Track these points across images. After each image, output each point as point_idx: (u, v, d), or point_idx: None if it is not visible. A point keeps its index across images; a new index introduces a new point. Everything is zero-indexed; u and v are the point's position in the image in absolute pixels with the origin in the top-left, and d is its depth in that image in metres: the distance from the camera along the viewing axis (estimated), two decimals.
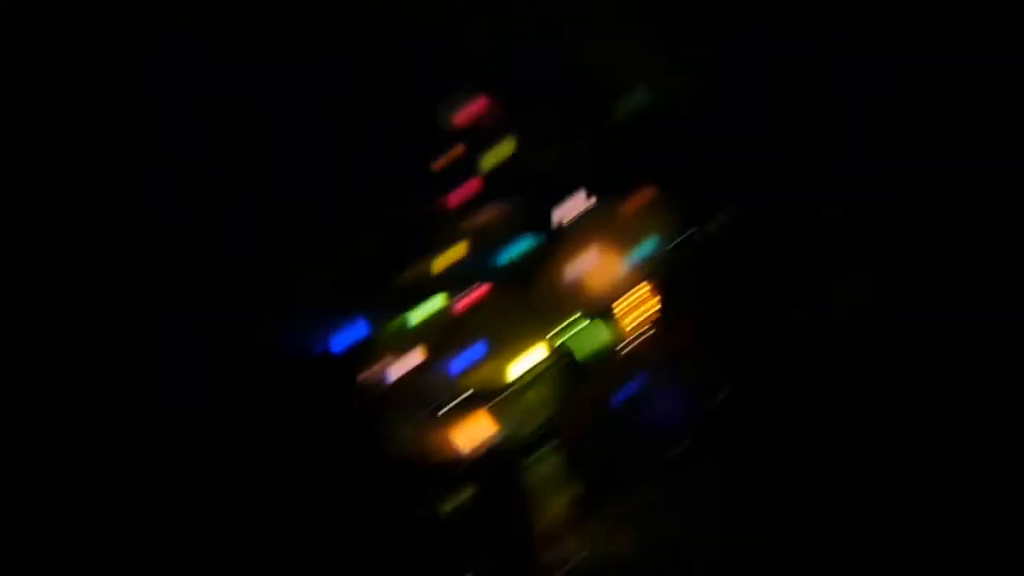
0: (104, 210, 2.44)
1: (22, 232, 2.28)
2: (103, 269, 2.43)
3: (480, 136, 2.88)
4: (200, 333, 2.85)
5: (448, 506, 2.63)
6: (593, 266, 2.77)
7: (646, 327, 2.44)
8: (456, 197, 3.02)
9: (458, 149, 2.86)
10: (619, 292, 2.60)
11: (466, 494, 2.61)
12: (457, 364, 2.67)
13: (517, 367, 2.61)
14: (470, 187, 3.01)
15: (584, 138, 2.85)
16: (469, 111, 2.78)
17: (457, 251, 3.07)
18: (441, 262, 3.12)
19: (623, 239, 2.72)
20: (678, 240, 2.51)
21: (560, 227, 2.91)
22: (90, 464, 2.36)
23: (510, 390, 2.56)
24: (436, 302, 2.89)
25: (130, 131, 2.50)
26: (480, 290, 2.87)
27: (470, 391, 2.58)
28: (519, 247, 3.05)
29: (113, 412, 2.48)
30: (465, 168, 2.96)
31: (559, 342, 2.65)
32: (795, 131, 2.52)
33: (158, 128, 2.68)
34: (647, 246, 2.62)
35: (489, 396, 2.56)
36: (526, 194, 3.01)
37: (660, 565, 2.08)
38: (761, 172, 2.51)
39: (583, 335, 2.68)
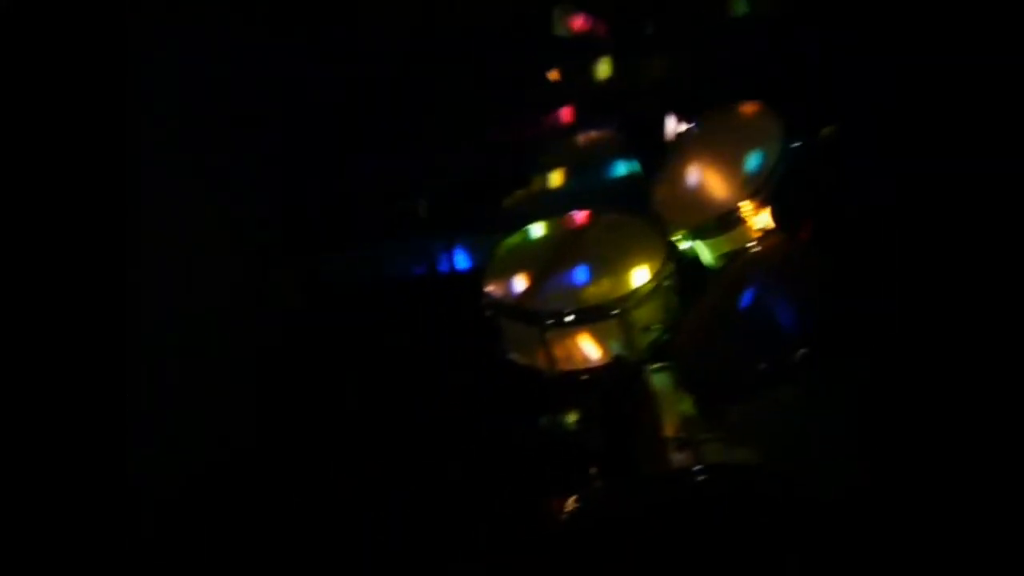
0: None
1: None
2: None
3: (583, 54, 2.89)
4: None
5: (571, 417, 2.75)
6: (701, 181, 2.79)
7: (758, 239, 2.45)
8: (556, 120, 3.05)
9: (555, 73, 2.87)
10: (728, 205, 2.60)
11: (588, 405, 2.71)
12: (576, 278, 2.72)
13: (633, 280, 2.64)
14: (568, 111, 3.03)
15: (687, 51, 2.84)
16: (573, 25, 2.78)
17: (561, 175, 3.13)
18: (552, 182, 3.19)
19: (729, 153, 2.73)
20: (784, 152, 2.50)
21: (666, 144, 2.93)
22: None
23: (628, 303, 2.59)
24: (548, 222, 2.97)
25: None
26: (587, 211, 2.92)
27: (588, 304, 2.62)
28: (628, 166, 3.09)
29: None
30: (567, 89, 2.97)
31: (672, 255, 2.68)
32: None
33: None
34: (754, 159, 2.62)
35: (607, 310, 2.59)
36: (630, 112, 3.03)
37: (778, 477, 2.10)
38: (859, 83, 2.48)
39: (695, 249, 2.72)
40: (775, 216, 2.37)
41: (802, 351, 2.06)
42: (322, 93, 3.06)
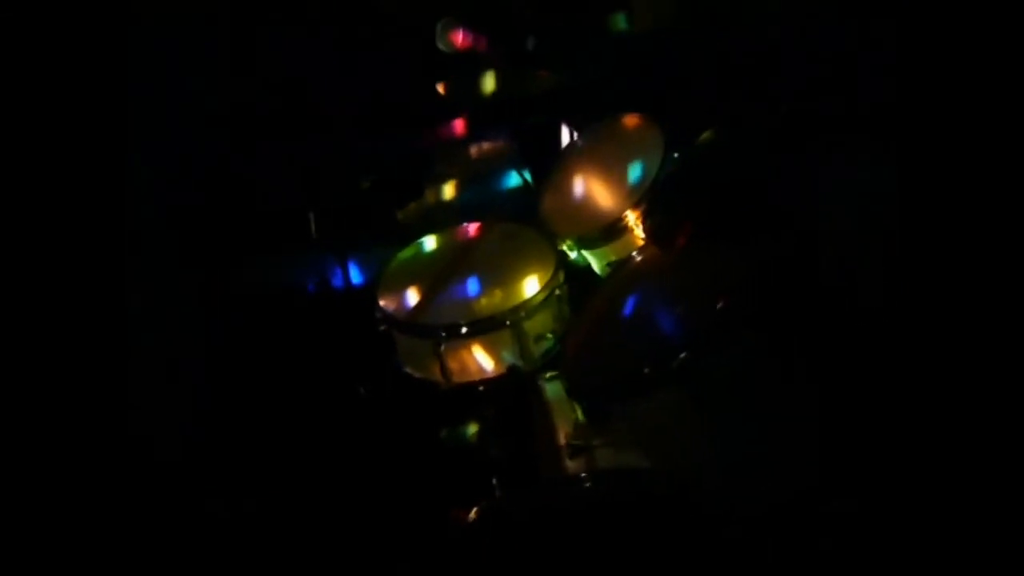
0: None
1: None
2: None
3: (467, 68, 2.92)
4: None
5: (470, 428, 2.77)
6: (586, 191, 2.84)
7: (640, 247, 2.51)
8: (447, 132, 3.08)
9: (443, 86, 2.90)
10: (612, 215, 2.66)
11: (483, 416, 2.74)
12: (468, 290, 2.76)
13: (525, 291, 2.68)
14: (460, 123, 3.06)
15: (568, 65, 2.89)
16: (455, 40, 2.81)
17: (453, 186, 3.16)
18: (445, 194, 3.21)
19: (613, 164, 2.79)
20: (664, 162, 2.57)
21: (551, 156, 2.97)
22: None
23: (520, 313, 2.63)
24: (440, 234, 2.99)
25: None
26: (479, 223, 2.95)
27: (480, 317, 2.65)
28: (512, 179, 3.14)
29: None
30: (454, 103, 3.00)
31: (563, 265, 2.74)
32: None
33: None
34: (636, 169, 2.68)
35: (499, 321, 2.63)
36: (515, 126, 3.07)
37: (666, 480, 2.16)
38: (747, 91, 2.57)
39: (584, 258, 2.78)
40: (646, 227, 2.44)
41: (682, 355, 2.12)
42: (215, 103, 3.03)
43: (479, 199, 3.25)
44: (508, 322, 2.63)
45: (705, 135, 2.43)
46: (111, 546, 2.33)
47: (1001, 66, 2.08)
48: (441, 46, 2.76)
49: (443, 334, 2.64)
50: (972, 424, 2.03)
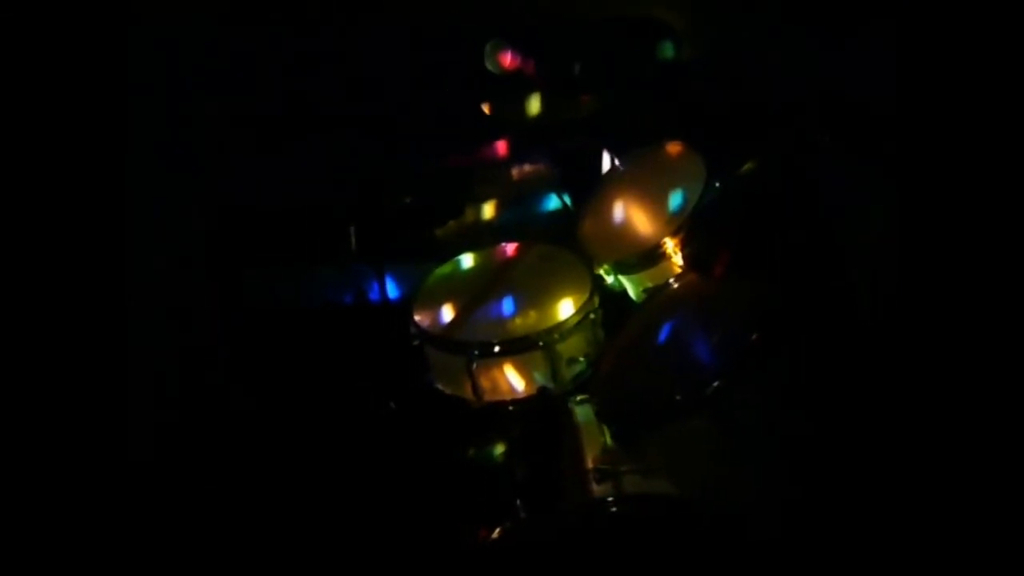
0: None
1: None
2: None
3: (511, 91, 2.95)
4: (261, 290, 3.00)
5: (497, 447, 2.77)
6: (625, 217, 2.85)
7: (677, 275, 2.51)
8: (490, 152, 3.10)
9: (488, 106, 2.92)
10: (651, 242, 2.66)
11: (511, 436, 2.74)
12: (503, 309, 2.76)
13: (560, 313, 2.68)
14: (502, 144, 3.08)
15: (613, 91, 2.91)
16: (503, 62, 2.84)
17: (493, 206, 3.18)
18: (485, 213, 3.23)
19: (653, 191, 2.79)
20: (705, 191, 2.57)
21: (591, 180, 2.99)
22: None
23: (554, 335, 2.63)
24: (478, 252, 3.01)
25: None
26: (517, 243, 2.97)
27: (514, 336, 2.66)
28: (559, 200, 3.15)
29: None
30: (499, 124, 3.03)
31: (598, 289, 2.74)
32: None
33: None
34: (676, 197, 2.69)
35: (533, 342, 2.63)
36: (557, 149, 3.09)
37: (693, 508, 2.15)
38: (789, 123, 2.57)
39: (621, 282, 2.78)
40: (686, 256, 2.44)
41: (715, 384, 2.11)
42: (259, 109, 3.08)
43: (518, 220, 3.27)
44: (541, 343, 2.63)
45: (747, 166, 2.43)
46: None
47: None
48: (489, 67, 2.79)
49: (476, 352, 2.64)
50: (996, 449, 2.02)
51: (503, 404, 2.71)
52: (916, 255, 2.23)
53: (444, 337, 2.73)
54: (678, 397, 2.14)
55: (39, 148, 2.33)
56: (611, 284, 2.78)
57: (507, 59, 2.75)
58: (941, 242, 2.18)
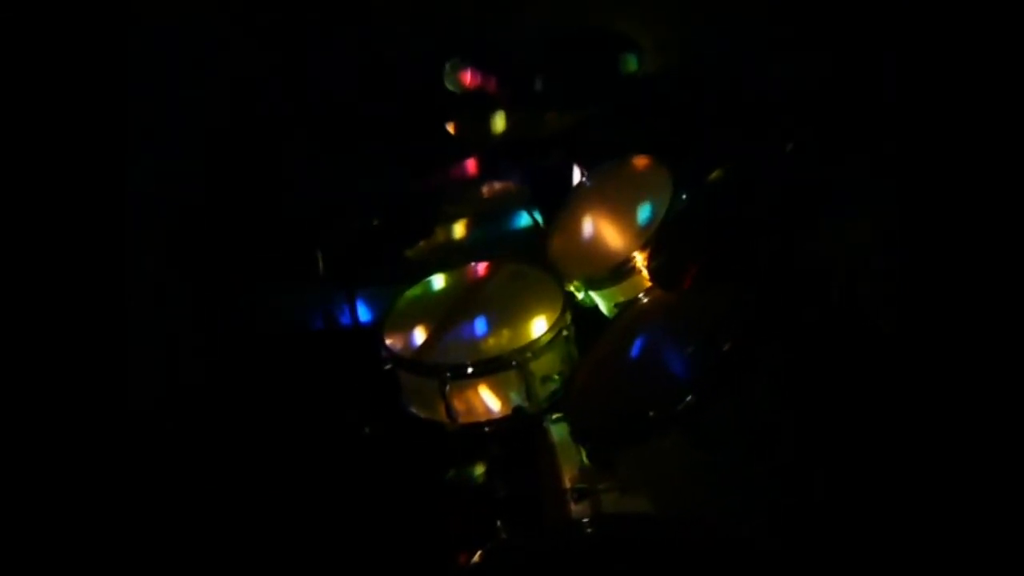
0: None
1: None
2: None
3: (476, 108, 2.93)
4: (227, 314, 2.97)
5: (475, 469, 2.74)
6: (594, 232, 2.83)
7: (647, 288, 2.49)
8: (458, 171, 3.08)
9: (453, 126, 2.91)
10: (620, 256, 2.65)
11: (489, 457, 2.71)
12: (475, 329, 2.74)
13: (532, 331, 2.66)
14: (471, 163, 3.06)
15: (577, 106, 2.90)
16: (463, 80, 2.83)
17: (463, 225, 3.15)
18: (450, 235, 3.21)
19: (621, 205, 2.78)
20: (673, 203, 2.56)
21: (560, 197, 2.97)
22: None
23: (527, 354, 2.60)
24: (449, 273, 2.98)
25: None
26: (487, 262, 2.94)
27: (486, 357, 2.63)
28: (523, 219, 3.13)
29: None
30: (465, 143, 3.01)
31: (570, 305, 2.71)
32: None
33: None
34: (645, 211, 2.68)
35: (506, 361, 2.60)
36: (525, 166, 3.08)
37: (670, 525, 2.12)
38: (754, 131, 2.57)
39: (592, 299, 2.76)
40: (651, 269, 2.42)
41: (688, 399, 2.09)
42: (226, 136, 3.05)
43: (489, 239, 3.25)
44: (514, 362, 2.61)
45: (714, 174, 2.42)
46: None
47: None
48: (450, 86, 2.77)
49: (448, 374, 2.61)
50: (994, 461, 2.01)
51: (478, 426, 2.68)
52: (905, 260, 2.22)
53: (416, 360, 2.70)
54: (651, 413, 2.12)
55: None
56: (582, 300, 2.75)
57: (467, 77, 2.74)
58: (928, 247, 2.18)
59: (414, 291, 2.94)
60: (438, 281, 2.96)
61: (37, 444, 2.28)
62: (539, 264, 2.87)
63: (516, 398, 2.65)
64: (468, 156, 3.22)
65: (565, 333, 2.68)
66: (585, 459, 2.37)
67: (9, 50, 2.30)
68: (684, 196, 2.58)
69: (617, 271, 2.64)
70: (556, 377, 2.64)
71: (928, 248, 2.21)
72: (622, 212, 2.75)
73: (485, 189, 3.29)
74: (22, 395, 2.27)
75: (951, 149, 2.20)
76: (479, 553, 2.22)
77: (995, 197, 2.13)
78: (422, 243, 3.26)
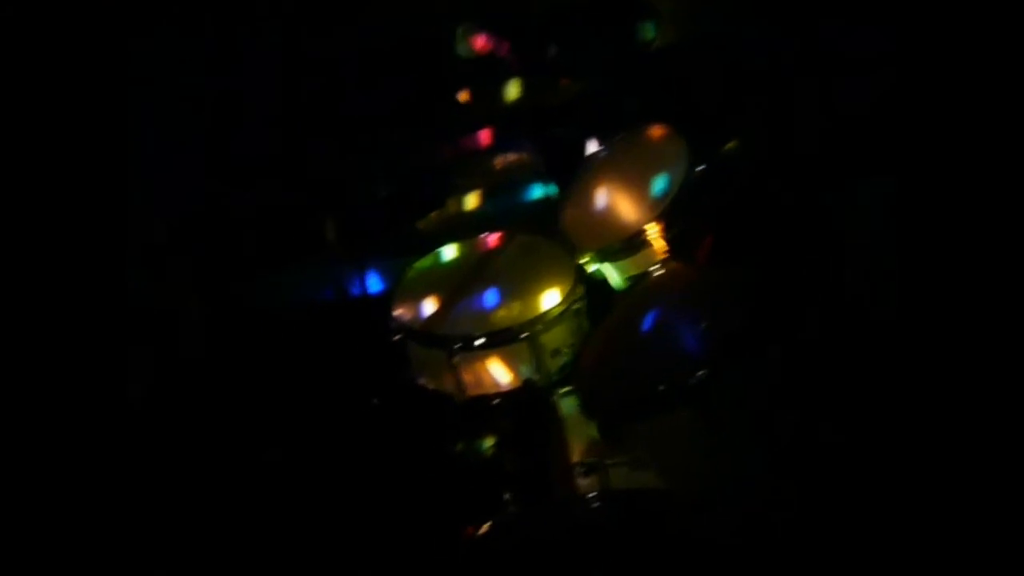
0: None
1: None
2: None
3: (489, 76, 2.89)
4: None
5: (484, 442, 2.72)
6: (608, 204, 2.79)
7: (661, 261, 2.46)
8: (470, 142, 3.05)
9: (465, 95, 2.86)
10: (634, 228, 2.60)
11: (496, 429, 2.69)
12: (485, 301, 2.71)
13: (543, 303, 2.63)
14: (484, 134, 3.02)
15: (591, 74, 2.85)
16: (476, 45, 2.78)
17: (475, 197, 3.12)
18: (461, 207, 3.18)
19: (635, 176, 2.73)
20: (688, 175, 2.51)
21: (574, 168, 2.93)
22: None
23: (537, 326, 2.57)
24: (460, 244, 2.95)
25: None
26: (500, 233, 2.91)
27: (497, 328, 2.60)
28: (544, 188, 3.10)
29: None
30: (477, 113, 2.97)
31: (582, 278, 2.68)
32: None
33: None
34: (659, 182, 2.63)
35: (516, 333, 2.57)
36: (538, 137, 3.03)
37: (683, 497, 2.11)
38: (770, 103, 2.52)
39: (603, 271, 2.72)
40: (669, 241, 2.38)
41: (699, 373, 2.06)
42: (228, 111, 3.03)
43: (501, 210, 3.21)
44: (524, 335, 2.58)
45: (729, 145, 2.38)
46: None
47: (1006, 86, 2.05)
48: (461, 51, 2.72)
49: (457, 345, 2.58)
50: (988, 444, 1.99)
51: (487, 398, 2.65)
52: (915, 242, 2.20)
53: (425, 331, 2.68)
54: (662, 388, 2.09)
55: (39, 149, 2.35)
56: (595, 272, 2.72)
57: (479, 42, 2.68)
58: (940, 231, 2.15)
59: (424, 262, 2.92)
60: (449, 252, 2.93)
61: (38, 424, 2.27)
62: (551, 236, 2.83)
63: (526, 371, 2.62)
64: (480, 127, 3.18)
65: (576, 306, 2.65)
66: (594, 433, 2.35)
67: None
68: (700, 168, 2.53)
69: (630, 243, 2.60)
70: (566, 350, 2.61)
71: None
72: (636, 183, 2.71)
73: (497, 160, 3.25)
74: (25, 370, 2.26)
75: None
76: (486, 525, 2.22)
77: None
78: (433, 215, 3.23)
